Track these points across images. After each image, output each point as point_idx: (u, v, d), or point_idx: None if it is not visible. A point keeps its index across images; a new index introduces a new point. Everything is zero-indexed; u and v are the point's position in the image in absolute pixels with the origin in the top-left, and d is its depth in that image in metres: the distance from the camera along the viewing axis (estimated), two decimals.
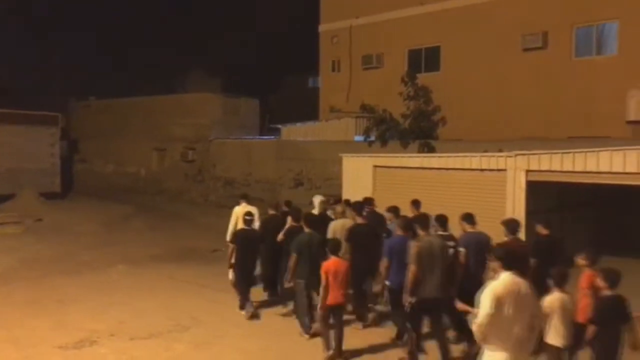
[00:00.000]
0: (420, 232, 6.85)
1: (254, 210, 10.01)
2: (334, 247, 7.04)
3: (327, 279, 6.70)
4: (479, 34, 18.30)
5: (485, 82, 18.07)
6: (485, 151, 11.80)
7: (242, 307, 8.80)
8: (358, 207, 8.89)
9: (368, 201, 10.06)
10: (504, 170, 10.79)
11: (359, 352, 7.15)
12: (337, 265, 6.79)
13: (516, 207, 10.58)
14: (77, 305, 9.29)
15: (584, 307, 5.57)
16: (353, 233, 8.17)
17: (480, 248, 6.92)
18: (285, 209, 10.24)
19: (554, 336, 5.35)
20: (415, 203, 9.38)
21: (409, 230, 7.18)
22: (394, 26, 20.63)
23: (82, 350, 7.36)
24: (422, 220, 7.14)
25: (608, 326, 5.17)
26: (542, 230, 7.64)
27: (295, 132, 21.64)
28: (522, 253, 6.17)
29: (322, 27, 23.44)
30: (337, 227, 8.47)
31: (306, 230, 7.89)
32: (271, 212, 9.99)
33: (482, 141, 14.52)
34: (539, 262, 6.78)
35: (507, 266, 4.42)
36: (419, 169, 12.27)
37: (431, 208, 10.91)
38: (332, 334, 6.95)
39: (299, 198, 15.40)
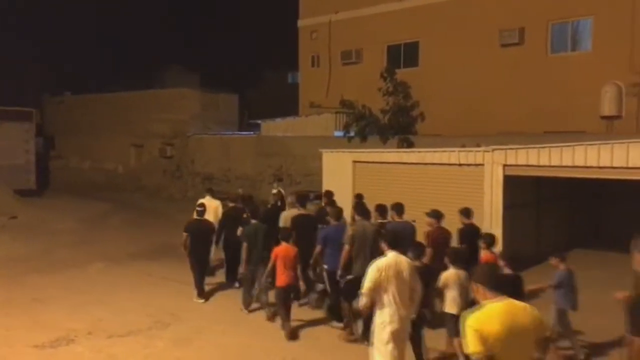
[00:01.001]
0: (357, 217, 7.78)
1: (216, 203, 10.91)
2: (284, 234, 7.84)
3: (274, 262, 7.55)
4: (457, 29, 18.45)
5: (463, 78, 18.22)
6: (463, 146, 11.91)
7: (199, 295, 9.38)
8: (301, 199, 9.59)
9: (358, 196, 10.24)
10: (482, 164, 10.90)
11: (305, 325, 8.00)
12: (287, 250, 7.56)
13: (494, 200, 10.71)
14: (54, 303, 9.16)
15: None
16: (295, 223, 8.85)
17: (405, 235, 7.42)
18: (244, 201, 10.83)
19: (451, 305, 6.32)
20: (360, 197, 10.22)
21: (341, 218, 8.14)
22: (373, 22, 20.68)
23: (59, 349, 7.26)
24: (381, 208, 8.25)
25: None
26: (464, 219, 8.60)
27: (275, 127, 21.58)
28: (404, 236, 6.86)
29: (302, 23, 23.38)
30: (287, 217, 9.20)
31: (252, 221, 8.72)
32: (231, 204, 10.61)
33: (460, 136, 14.66)
34: (466, 247, 7.63)
35: (392, 246, 5.41)
36: (398, 164, 12.33)
37: (410, 202, 11.00)
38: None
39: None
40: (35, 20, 32.98)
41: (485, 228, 10.53)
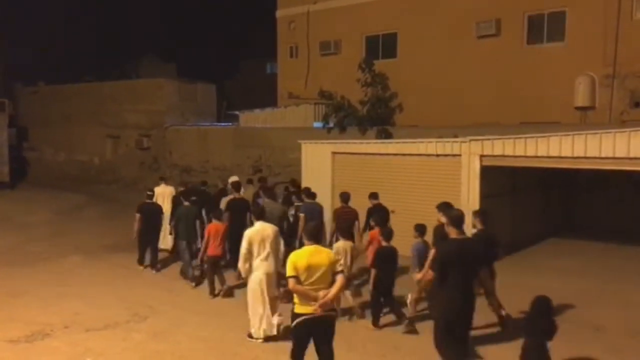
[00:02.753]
0: (265, 199, 10.12)
1: (169, 190, 12.53)
2: (216, 214, 9.39)
3: (208, 237, 8.95)
4: (435, 21, 18.51)
5: (440, 69, 18.32)
6: (440, 137, 11.99)
7: (139, 262, 10.94)
8: (236, 185, 11.22)
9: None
10: (459, 155, 11.00)
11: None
12: (217, 227, 9.05)
13: (471, 191, 10.83)
14: (28, 297, 9.03)
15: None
16: (229, 205, 10.52)
17: (315, 214, 9.66)
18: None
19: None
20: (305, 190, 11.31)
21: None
22: (351, 12, 20.64)
23: (34, 343, 7.16)
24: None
25: (382, 269, 7.48)
26: (373, 201, 9.95)
27: (253, 118, 21.45)
28: (269, 209, 8.64)
29: (280, 13, 23.21)
30: (224, 201, 11.04)
31: (185, 204, 10.45)
32: (181, 189, 12.46)
33: (438, 127, 14.75)
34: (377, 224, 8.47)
35: (258, 218, 7.29)
36: (377, 155, 12.38)
37: (388, 192, 11.11)
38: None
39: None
40: (5, 10, 32.15)
41: (465, 214, 10.67)
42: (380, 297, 7.62)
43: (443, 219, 6.34)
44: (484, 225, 7.51)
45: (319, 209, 10.11)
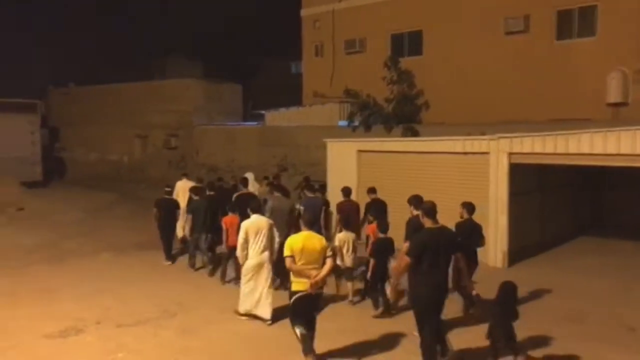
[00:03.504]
0: (276, 193, 10.36)
1: (190, 185, 12.73)
2: (231, 207, 9.88)
3: (227, 228, 9.43)
4: (462, 17, 18.31)
5: (467, 66, 18.12)
6: (468, 134, 11.87)
7: (167, 259, 11.42)
8: (243, 181, 12.12)
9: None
10: (487, 153, 10.87)
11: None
12: (232, 220, 9.47)
13: (499, 189, 10.70)
14: (62, 293, 9.23)
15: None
16: (237, 200, 10.84)
17: (316, 208, 9.87)
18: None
19: (340, 260, 8.54)
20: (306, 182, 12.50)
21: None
22: (376, 10, 20.56)
23: (68, 339, 7.32)
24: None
25: (378, 259, 8.03)
26: (372, 195, 10.39)
27: (279, 117, 21.56)
28: (278, 204, 9.59)
29: (305, 12, 23.25)
30: (234, 197, 11.33)
31: (195, 198, 11.29)
32: (194, 185, 12.93)
33: (465, 124, 14.62)
34: (375, 217, 8.93)
35: (254, 211, 7.96)
36: (403, 153, 12.33)
37: (415, 191, 10.99)
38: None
39: (284, 184, 15.38)
40: (37, 11, 32.91)
41: (490, 217, 10.59)
42: (377, 284, 8.17)
43: (415, 212, 7.51)
44: (469, 214, 8.12)
45: (319, 203, 10.48)
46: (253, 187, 13.29)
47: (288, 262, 6.17)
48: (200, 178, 14.91)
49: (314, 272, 6.14)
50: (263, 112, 22.68)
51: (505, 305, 5.91)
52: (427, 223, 6.01)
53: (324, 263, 6.22)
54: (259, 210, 8.16)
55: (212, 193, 11.43)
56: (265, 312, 7.82)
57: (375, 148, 12.96)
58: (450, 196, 10.79)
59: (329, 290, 8.11)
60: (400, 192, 10.47)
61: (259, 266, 7.89)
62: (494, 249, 10.73)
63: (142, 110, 24.74)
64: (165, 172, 23.77)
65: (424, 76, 15.49)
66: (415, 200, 7.88)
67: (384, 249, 8.09)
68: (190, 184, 13.13)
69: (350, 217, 9.72)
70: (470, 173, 11.13)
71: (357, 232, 9.60)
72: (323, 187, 12.80)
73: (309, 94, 22.67)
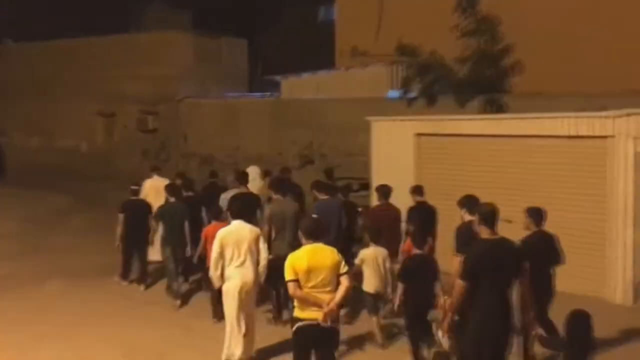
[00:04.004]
0: (274, 196, 10.42)
1: (164, 184, 12.70)
2: (216, 212, 10.34)
3: (206, 240, 9.70)
4: None
5: (580, 11, 17.81)
6: (582, 110, 11.68)
7: (123, 277, 12.20)
8: (241, 177, 12.20)
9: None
10: (609, 137, 10.69)
11: None
12: (217, 229, 9.17)
13: (625, 189, 10.52)
14: None
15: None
16: (230, 203, 10.78)
17: (330, 214, 10.31)
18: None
19: (368, 284, 8.96)
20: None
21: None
22: None
23: None
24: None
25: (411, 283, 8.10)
26: (418, 198, 11.01)
27: (301, 86, 21.56)
28: (279, 209, 9.98)
29: None
30: (225, 197, 11.60)
31: (171, 200, 11.58)
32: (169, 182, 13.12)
33: (574, 95, 14.39)
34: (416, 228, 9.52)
35: (235, 216, 8.48)
36: (482, 137, 12.24)
37: (500, 192, 10.94)
38: None
39: (309, 181, 15.37)
40: None
41: (611, 231, 10.41)
42: (411, 319, 8.24)
43: (468, 217, 7.92)
44: (537, 225, 8.29)
45: (336, 207, 10.86)
46: (255, 185, 13.41)
47: (291, 288, 6.34)
48: (182, 173, 14.71)
49: (326, 298, 6.32)
50: (278, 78, 22.70)
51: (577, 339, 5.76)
52: (484, 233, 6.28)
53: (338, 283, 6.39)
54: (241, 214, 8.58)
55: (190, 194, 12.06)
56: (245, 349, 8.25)
57: (442, 130, 12.88)
58: (551, 200, 10.67)
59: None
60: (477, 193, 10.35)
61: (245, 288, 8.25)
62: (616, 278, 10.60)
63: (107, 77, 25.06)
64: (139, 165, 23.98)
65: (515, 25, 15.23)
66: (469, 202, 8.30)
67: (419, 269, 8.11)
68: (165, 182, 13.13)
69: (383, 228, 9.79)
70: (582, 166, 11.00)
71: (395, 249, 9.80)
72: (364, 187, 12.72)
73: (344, 52, 22.57)
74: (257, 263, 8.37)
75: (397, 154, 13.27)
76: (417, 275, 8.05)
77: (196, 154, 22.40)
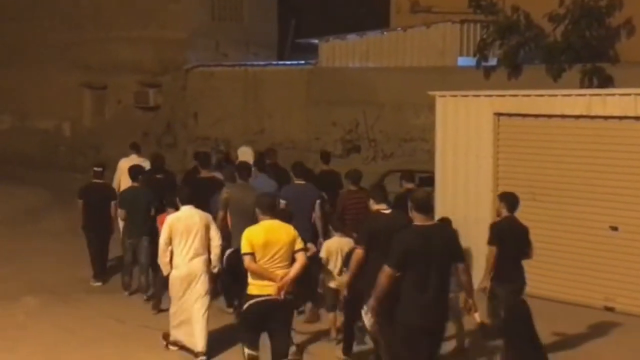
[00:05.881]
0: (240, 180, 11.99)
1: (145, 162, 14.45)
2: (170, 199, 11.17)
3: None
4: None
5: None
6: None
7: (95, 277, 13.47)
8: (202, 159, 13.89)
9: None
10: None
11: None
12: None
13: None
14: None
15: None
16: (184, 185, 12.69)
17: (303, 201, 11.96)
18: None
19: (330, 278, 10.44)
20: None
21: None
22: None
23: None
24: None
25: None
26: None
27: (344, 51, 21.49)
28: (239, 197, 11.16)
29: None
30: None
31: (133, 184, 12.99)
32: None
33: None
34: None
35: (185, 202, 9.97)
36: (583, 117, 12.14)
37: (604, 191, 10.87)
38: None
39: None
40: None
41: None
42: (352, 315, 9.42)
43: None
44: (510, 211, 9.73)
45: (310, 194, 12.24)
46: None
47: (247, 261, 7.96)
48: (156, 153, 16.17)
49: (281, 273, 7.95)
50: (315, 41, 22.65)
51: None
52: (418, 219, 7.52)
53: (294, 260, 8.04)
54: (192, 200, 10.07)
55: (159, 176, 13.61)
56: (198, 341, 9.55)
57: (529, 108, 12.80)
58: None
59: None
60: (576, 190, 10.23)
61: (190, 279, 9.67)
62: None
63: (97, 40, 25.16)
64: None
65: None
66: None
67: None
68: (145, 163, 14.62)
69: (348, 216, 11.44)
70: None
71: None
72: (426, 181, 12.71)
73: (402, 7, 22.54)
74: (208, 251, 9.80)
75: (470, 139, 13.25)
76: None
77: (209, 138, 22.44)
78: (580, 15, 14.39)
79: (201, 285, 9.66)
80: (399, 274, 7.26)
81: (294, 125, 20.51)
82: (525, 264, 9.64)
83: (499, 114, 13.05)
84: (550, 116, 12.54)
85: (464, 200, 12.92)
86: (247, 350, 8.00)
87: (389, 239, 7.90)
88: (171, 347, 9.95)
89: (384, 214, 8.92)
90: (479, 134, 13.17)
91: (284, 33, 25.73)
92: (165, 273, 9.97)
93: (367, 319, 8.17)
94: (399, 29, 21.51)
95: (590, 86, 13.83)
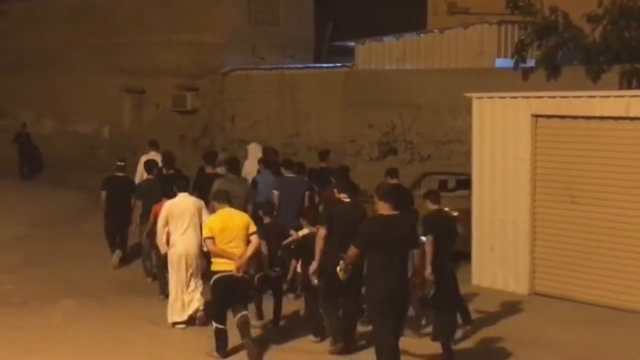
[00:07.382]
0: (230, 174, 13.86)
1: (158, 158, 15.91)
2: (167, 190, 12.66)
3: (155, 220, 12.28)
4: None
5: None
6: None
7: (112, 249, 14.92)
8: (208, 158, 15.68)
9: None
10: None
11: None
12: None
13: None
14: None
15: None
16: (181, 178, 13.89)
17: (294, 193, 13.62)
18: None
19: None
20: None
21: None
22: None
23: None
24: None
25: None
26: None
27: (381, 53, 21.44)
28: (230, 188, 12.05)
29: None
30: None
31: (147, 177, 14.73)
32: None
33: None
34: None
35: (180, 190, 11.57)
36: (623, 119, 12.04)
37: None
38: None
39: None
40: None
41: None
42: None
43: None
44: (435, 203, 10.74)
45: (302, 187, 13.90)
46: (253, 164, 16.15)
47: (208, 244, 9.78)
48: (167, 152, 17.28)
49: (238, 252, 9.61)
50: (351, 43, 22.58)
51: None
52: (384, 209, 8.64)
53: (249, 242, 9.74)
54: (185, 188, 11.75)
55: (171, 171, 15.04)
56: (186, 310, 11.10)
57: (568, 110, 12.70)
58: None
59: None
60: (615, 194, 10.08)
61: (186, 256, 11.08)
62: None
63: (136, 44, 25.27)
64: (175, 153, 24.20)
65: None
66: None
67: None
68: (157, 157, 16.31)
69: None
70: None
71: None
72: (463, 185, 12.62)
73: (439, 9, 22.45)
74: (200, 234, 10.73)
75: (507, 141, 13.19)
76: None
77: (246, 141, 22.39)
78: (619, 16, 14.27)
79: (197, 261, 11.16)
80: (363, 254, 8.65)
81: (330, 128, 20.45)
82: (564, 269, 9.62)
83: (536, 116, 12.99)
84: (588, 118, 12.46)
85: (502, 203, 12.82)
86: (215, 324, 9.53)
87: (347, 223, 9.63)
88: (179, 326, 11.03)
89: (344, 201, 10.38)
90: (516, 136, 13.11)
91: (320, 36, 25.70)
92: (162, 252, 11.44)
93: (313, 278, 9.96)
94: (436, 30, 21.41)
95: (629, 87, 13.73)
